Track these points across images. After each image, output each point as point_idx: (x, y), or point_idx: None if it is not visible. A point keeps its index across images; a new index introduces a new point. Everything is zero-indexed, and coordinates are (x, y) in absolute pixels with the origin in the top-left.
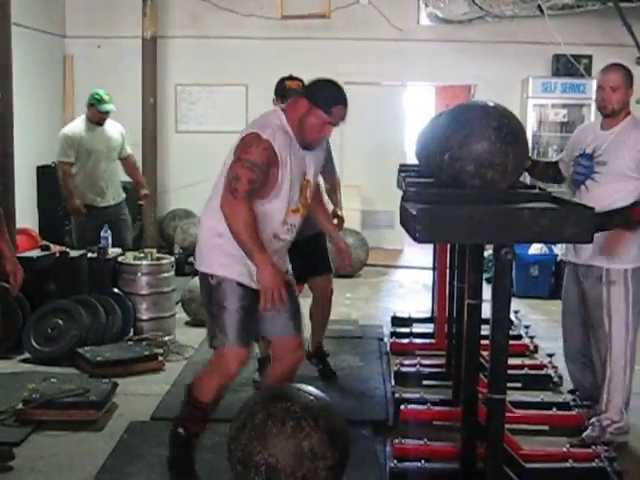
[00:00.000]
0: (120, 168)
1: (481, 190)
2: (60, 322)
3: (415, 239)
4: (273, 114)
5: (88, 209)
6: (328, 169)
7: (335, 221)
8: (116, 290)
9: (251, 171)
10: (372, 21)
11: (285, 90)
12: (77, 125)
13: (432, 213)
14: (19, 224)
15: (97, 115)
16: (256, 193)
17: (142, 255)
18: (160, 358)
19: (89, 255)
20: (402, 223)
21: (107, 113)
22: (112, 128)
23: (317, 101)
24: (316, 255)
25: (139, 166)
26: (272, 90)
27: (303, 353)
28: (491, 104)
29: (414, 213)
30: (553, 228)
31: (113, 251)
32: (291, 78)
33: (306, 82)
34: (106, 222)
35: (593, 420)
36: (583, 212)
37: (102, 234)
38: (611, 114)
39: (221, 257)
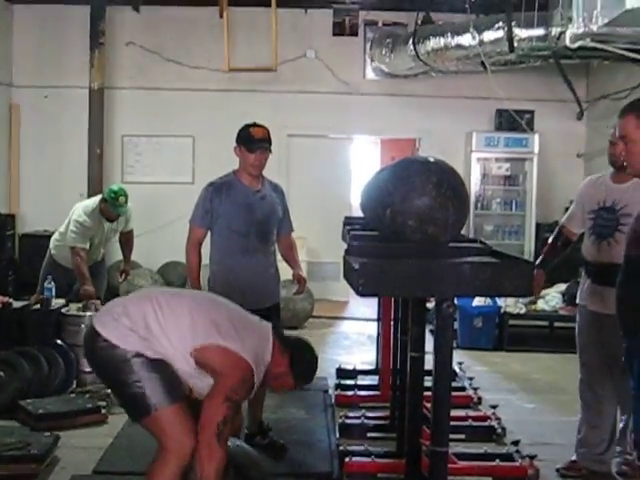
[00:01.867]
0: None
1: (423, 244)
2: (2, 374)
3: (358, 293)
4: (269, 346)
5: (63, 268)
6: (284, 226)
7: (297, 286)
8: (59, 342)
9: (234, 413)
10: (318, 74)
11: (251, 139)
12: (90, 216)
13: (374, 267)
14: None
15: (109, 213)
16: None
17: (86, 307)
18: (103, 411)
19: (32, 306)
20: (345, 276)
21: (119, 215)
22: (121, 218)
23: (298, 375)
24: None
25: (133, 243)
26: (219, 141)
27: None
28: (432, 159)
29: (356, 267)
30: (493, 282)
31: (57, 302)
32: (255, 125)
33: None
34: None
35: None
36: (523, 266)
37: (46, 285)
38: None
39: None
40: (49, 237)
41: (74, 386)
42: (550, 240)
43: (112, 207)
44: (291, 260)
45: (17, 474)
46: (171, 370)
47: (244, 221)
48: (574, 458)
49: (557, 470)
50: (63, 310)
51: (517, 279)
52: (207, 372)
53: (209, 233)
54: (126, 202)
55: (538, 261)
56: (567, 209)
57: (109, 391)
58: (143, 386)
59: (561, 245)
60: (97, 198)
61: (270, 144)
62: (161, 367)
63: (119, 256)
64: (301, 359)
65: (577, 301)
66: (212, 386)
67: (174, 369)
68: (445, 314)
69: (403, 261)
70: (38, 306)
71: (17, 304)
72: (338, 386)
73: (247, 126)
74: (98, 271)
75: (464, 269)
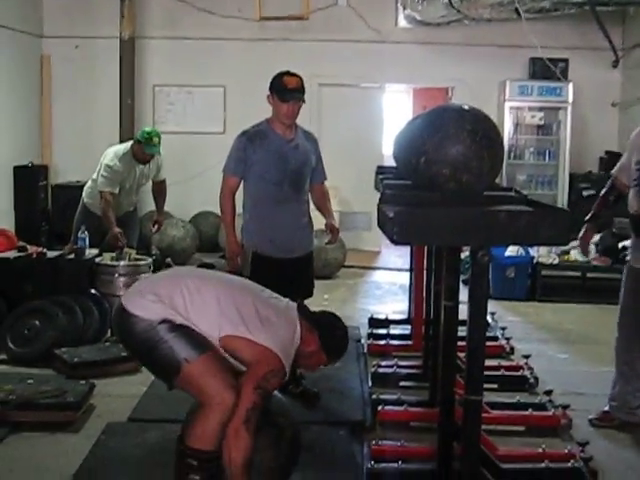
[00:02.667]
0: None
1: (457, 193)
2: (37, 323)
3: (392, 241)
4: (297, 329)
5: (96, 216)
6: (317, 175)
7: (329, 236)
8: (93, 291)
9: (264, 401)
10: (350, 23)
11: (285, 89)
12: (121, 160)
13: (409, 215)
14: None
15: (142, 155)
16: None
17: (120, 256)
18: None
19: (66, 256)
20: (379, 225)
21: (152, 156)
22: (152, 163)
23: (329, 350)
24: (302, 278)
25: (166, 193)
26: (250, 91)
27: None
28: (466, 107)
29: (391, 215)
30: (529, 230)
31: (90, 252)
32: (289, 73)
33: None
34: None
35: None
36: (559, 215)
37: (79, 235)
38: None
39: None
40: (82, 188)
41: (108, 335)
42: (602, 193)
43: (146, 147)
44: (324, 209)
45: (53, 421)
46: (198, 332)
47: (277, 170)
48: (607, 409)
49: (590, 420)
50: (97, 260)
51: (553, 228)
52: (236, 359)
53: (242, 183)
54: (159, 143)
55: (588, 216)
56: (601, 159)
57: None
58: (170, 345)
59: (613, 199)
60: (129, 143)
61: (304, 93)
62: (187, 329)
63: (152, 207)
64: (331, 336)
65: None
66: (243, 373)
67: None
68: (480, 263)
69: (438, 209)
70: (72, 256)
71: (51, 254)
72: (370, 335)
73: (280, 74)
74: (131, 220)
75: (500, 217)
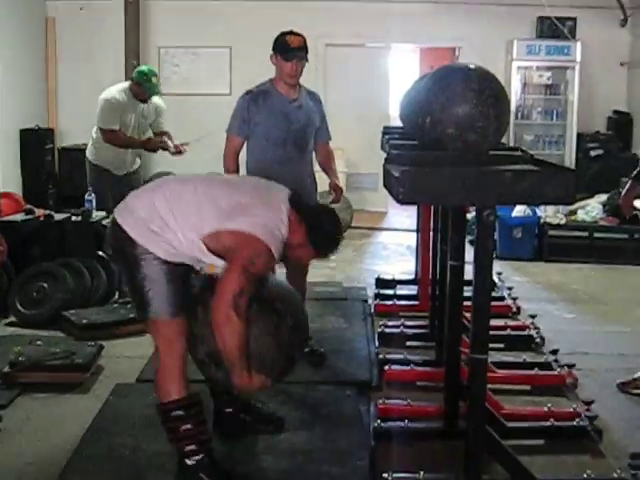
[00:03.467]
0: None
1: (463, 152)
2: (45, 285)
3: (398, 201)
4: (283, 217)
5: (104, 172)
6: (321, 135)
7: (333, 195)
8: (101, 253)
9: (252, 286)
10: None
11: (288, 47)
12: (119, 94)
13: (414, 175)
14: (3, 188)
15: (141, 94)
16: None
17: None
18: None
19: (73, 218)
20: (385, 185)
21: (151, 95)
22: (150, 105)
23: (316, 243)
24: None
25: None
26: (256, 51)
27: None
28: (472, 67)
29: (397, 175)
30: (535, 190)
31: (97, 214)
32: (292, 33)
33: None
34: (118, 182)
35: None
36: (565, 174)
37: (86, 197)
38: None
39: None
40: None
41: (116, 297)
42: None
43: (146, 88)
44: (328, 169)
45: (63, 382)
46: (181, 278)
47: (281, 130)
48: (637, 375)
49: (617, 385)
50: (104, 222)
51: (559, 187)
52: (222, 255)
53: (246, 143)
54: (158, 82)
55: (634, 174)
56: (609, 119)
57: None
58: (149, 289)
59: None
60: (126, 82)
61: (307, 52)
62: (172, 275)
63: (156, 169)
64: (318, 230)
65: None
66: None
67: (185, 271)
68: (486, 222)
69: (443, 169)
70: (79, 218)
71: (58, 217)
72: (377, 296)
73: (283, 34)
74: (132, 184)
75: (505, 177)
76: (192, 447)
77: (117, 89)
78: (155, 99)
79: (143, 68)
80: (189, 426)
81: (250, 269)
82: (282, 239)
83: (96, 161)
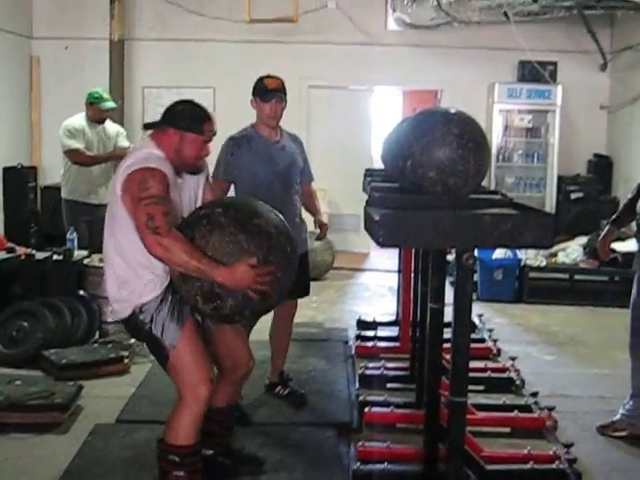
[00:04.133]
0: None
1: (443, 196)
2: (25, 324)
3: (378, 243)
4: (146, 148)
5: (79, 205)
6: (304, 176)
7: (319, 230)
8: (82, 292)
9: (160, 205)
10: (340, 25)
11: (266, 90)
12: (77, 119)
13: (394, 218)
14: None
15: (98, 114)
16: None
17: None
18: (125, 361)
19: (55, 257)
20: (366, 228)
21: (108, 111)
22: (110, 127)
23: (186, 126)
24: (299, 277)
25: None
26: (239, 92)
27: (253, 363)
28: (453, 111)
29: (377, 218)
30: (513, 233)
31: (79, 253)
32: (269, 76)
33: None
34: (94, 219)
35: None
36: (543, 218)
37: (68, 236)
38: None
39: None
40: None
41: (97, 336)
42: (629, 197)
43: (99, 104)
44: (312, 208)
45: (41, 423)
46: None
47: (267, 172)
48: (616, 418)
49: (597, 428)
50: (85, 261)
51: (537, 231)
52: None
53: (233, 187)
54: (110, 98)
55: (612, 218)
56: (590, 162)
57: (132, 341)
58: (157, 330)
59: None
60: (82, 112)
61: (285, 94)
62: (166, 303)
63: None
64: (175, 113)
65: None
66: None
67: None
68: (465, 265)
69: (423, 212)
70: (60, 257)
71: (40, 255)
72: (358, 337)
73: (261, 78)
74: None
75: (484, 220)
76: None
77: (74, 117)
78: (115, 125)
79: (93, 90)
80: (181, 473)
81: (145, 194)
82: (158, 156)
83: (70, 195)
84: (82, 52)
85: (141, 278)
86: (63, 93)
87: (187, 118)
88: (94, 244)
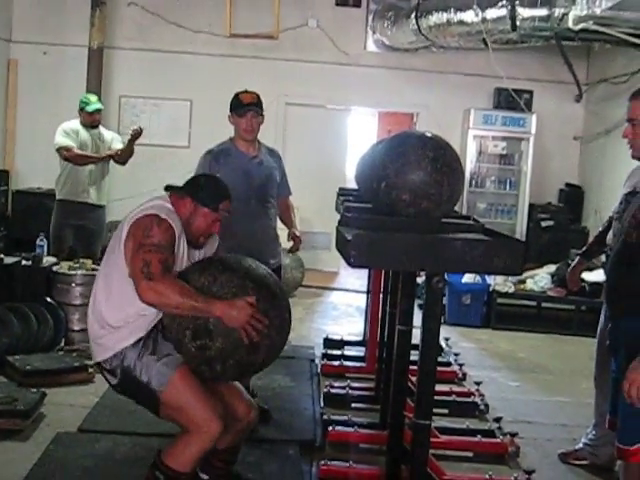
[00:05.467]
0: (108, 178)
1: (416, 218)
2: None
3: (349, 264)
4: (162, 200)
5: (72, 205)
6: (282, 190)
7: (292, 243)
8: (49, 299)
9: (159, 253)
10: (319, 44)
11: (241, 104)
12: (74, 123)
13: (366, 239)
14: None
15: (88, 117)
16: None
17: (77, 265)
18: (90, 370)
19: (23, 262)
20: (337, 247)
21: (96, 112)
22: (106, 132)
23: (203, 200)
24: None
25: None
26: (217, 106)
27: (255, 415)
28: (428, 134)
29: (349, 238)
30: (484, 259)
31: (48, 259)
32: (245, 92)
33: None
34: (81, 224)
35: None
36: (514, 245)
37: (37, 242)
38: None
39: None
40: (43, 194)
41: (62, 344)
42: (600, 229)
43: (89, 108)
44: (287, 220)
45: (2, 429)
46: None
47: (243, 187)
48: (578, 446)
49: (559, 455)
50: (54, 268)
51: (508, 257)
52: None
53: None
54: (97, 101)
55: (582, 250)
56: (561, 191)
57: None
58: (144, 376)
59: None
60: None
61: (261, 108)
62: (148, 345)
63: (108, 218)
64: (195, 187)
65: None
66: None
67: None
68: (435, 289)
69: (395, 234)
70: (29, 263)
71: (8, 260)
72: (325, 356)
73: (237, 94)
74: (97, 221)
75: (456, 245)
76: None
77: (71, 121)
78: (111, 132)
79: (83, 94)
80: None
81: (147, 241)
82: (169, 211)
83: (63, 196)
84: (61, 58)
85: (123, 324)
86: (40, 98)
87: (207, 193)
88: (79, 251)
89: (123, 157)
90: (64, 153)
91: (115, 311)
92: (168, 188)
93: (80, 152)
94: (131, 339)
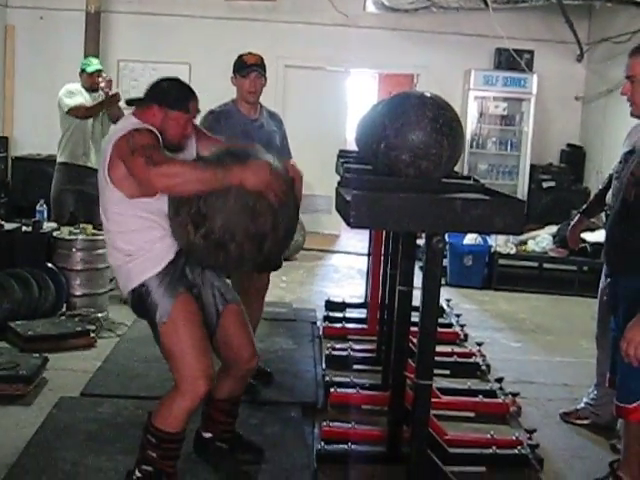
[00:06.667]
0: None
1: (415, 179)
2: None
3: (349, 224)
4: (128, 121)
5: (73, 168)
6: (283, 153)
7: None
8: (50, 265)
9: (154, 149)
10: (318, 5)
11: (244, 65)
12: (76, 85)
13: (366, 199)
14: None
15: (89, 79)
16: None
17: (77, 231)
18: (92, 334)
19: (24, 229)
20: (337, 208)
21: (97, 72)
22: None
23: (172, 104)
24: None
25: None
26: (215, 69)
27: (256, 362)
28: (428, 94)
29: (348, 199)
30: (484, 219)
31: (48, 225)
32: (250, 53)
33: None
34: (82, 189)
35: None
36: (514, 204)
37: (37, 207)
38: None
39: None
40: (42, 160)
41: (64, 309)
42: (600, 187)
43: (90, 69)
44: None
45: (5, 394)
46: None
47: None
48: (580, 406)
49: (560, 415)
50: (54, 233)
51: (508, 217)
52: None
53: None
54: (98, 63)
55: (582, 208)
56: (563, 151)
57: (99, 315)
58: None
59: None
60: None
61: (264, 70)
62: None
63: None
64: (161, 90)
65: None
66: None
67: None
68: (435, 249)
69: (395, 195)
70: (30, 228)
71: (8, 226)
72: (326, 318)
73: (241, 55)
74: (97, 185)
75: (455, 205)
76: (149, 468)
77: (72, 83)
78: None
79: (85, 58)
80: (154, 455)
81: (136, 146)
82: (140, 124)
83: (65, 159)
84: (57, 23)
85: (144, 252)
86: (37, 63)
87: (173, 96)
88: (80, 216)
89: (113, 115)
90: (78, 113)
91: (131, 245)
92: (129, 102)
93: (87, 106)
94: (151, 270)
